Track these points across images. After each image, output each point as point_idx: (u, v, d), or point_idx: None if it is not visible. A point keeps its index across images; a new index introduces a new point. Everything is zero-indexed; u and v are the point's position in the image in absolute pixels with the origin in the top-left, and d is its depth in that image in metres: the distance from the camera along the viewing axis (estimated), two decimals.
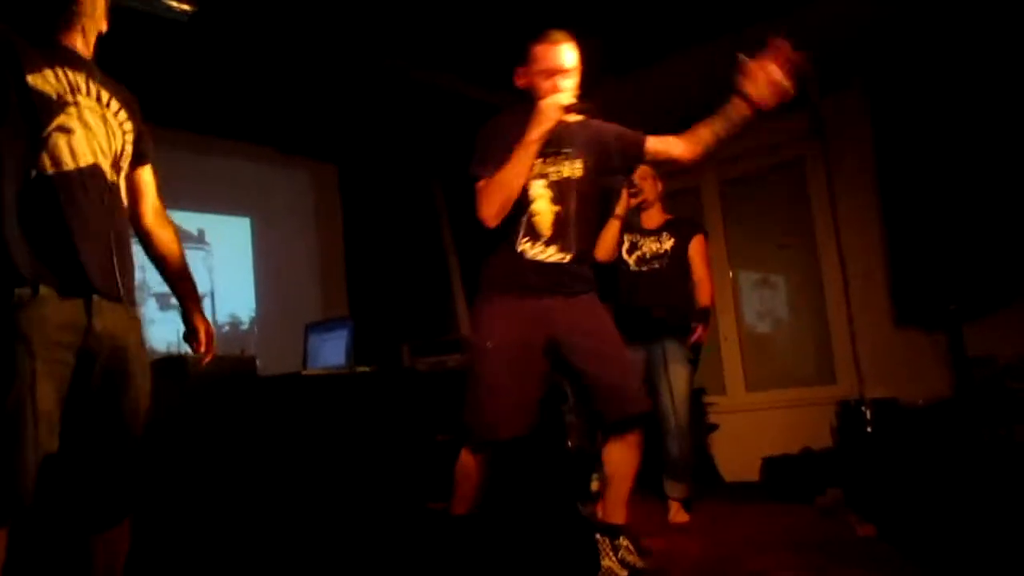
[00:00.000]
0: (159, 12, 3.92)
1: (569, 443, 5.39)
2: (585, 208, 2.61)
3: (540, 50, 2.63)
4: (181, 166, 4.98)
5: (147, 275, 4.73)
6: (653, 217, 3.90)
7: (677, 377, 3.67)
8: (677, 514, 3.66)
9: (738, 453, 5.10)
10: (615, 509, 2.52)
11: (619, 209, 3.79)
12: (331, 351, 4.04)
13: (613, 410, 2.48)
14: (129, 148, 1.96)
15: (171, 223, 2.20)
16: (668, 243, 3.83)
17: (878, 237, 4.80)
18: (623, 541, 2.48)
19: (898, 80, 4.64)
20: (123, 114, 1.96)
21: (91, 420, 1.78)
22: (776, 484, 4.16)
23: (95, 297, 1.76)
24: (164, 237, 2.15)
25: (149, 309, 4.79)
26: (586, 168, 2.60)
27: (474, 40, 4.59)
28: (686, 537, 3.22)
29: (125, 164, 1.95)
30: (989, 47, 4.32)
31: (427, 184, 6.34)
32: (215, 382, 3.14)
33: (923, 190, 4.45)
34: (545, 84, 2.56)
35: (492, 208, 2.50)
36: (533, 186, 2.53)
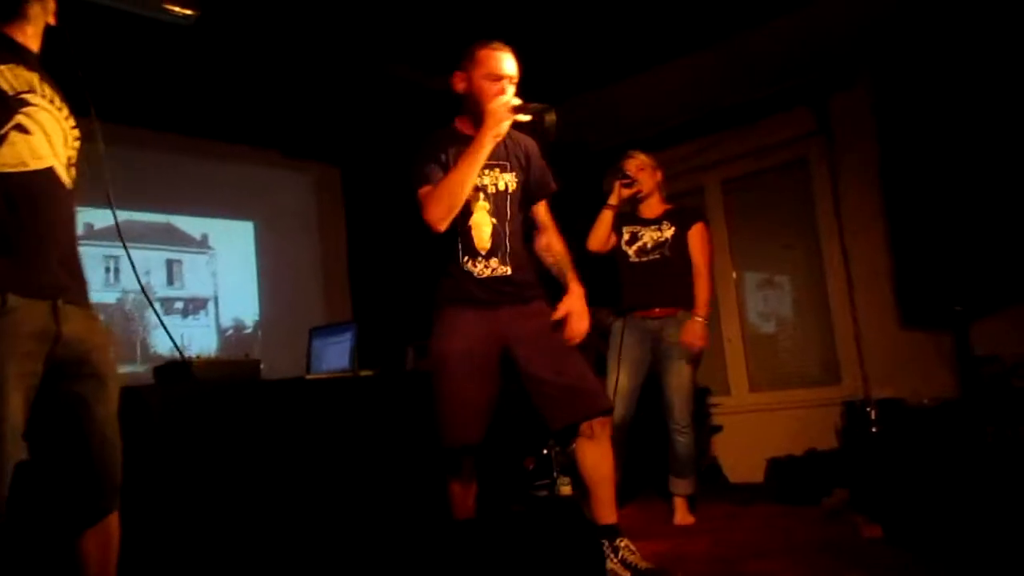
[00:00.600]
0: (162, 17, 3.95)
1: (545, 450, 5.39)
2: (516, 223, 2.68)
3: (485, 54, 2.64)
4: (184, 170, 5.01)
5: (151, 279, 4.76)
6: (652, 207, 3.89)
7: (679, 372, 3.66)
8: (683, 516, 3.65)
9: (743, 454, 5.09)
10: (605, 510, 2.52)
11: (612, 199, 3.80)
12: (335, 355, 4.04)
13: (577, 412, 2.51)
14: (74, 154, 1.89)
15: None
16: (669, 232, 3.82)
17: (883, 237, 4.78)
18: (622, 542, 2.47)
19: (903, 79, 4.62)
20: (71, 118, 1.89)
21: (65, 423, 1.75)
22: (781, 485, 4.15)
23: (59, 302, 1.71)
24: None
25: (151, 314, 4.80)
26: (519, 183, 2.68)
27: (473, 42, 4.59)
28: (691, 539, 3.21)
29: (73, 170, 1.88)
30: (995, 46, 4.30)
31: None
32: (219, 386, 3.13)
33: (928, 189, 4.43)
34: (490, 88, 2.59)
35: (440, 211, 2.53)
36: (471, 198, 2.59)
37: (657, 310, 3.73)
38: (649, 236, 3.81)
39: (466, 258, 2.61)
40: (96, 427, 1.80)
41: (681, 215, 3.85)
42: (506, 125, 2.51)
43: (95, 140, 1.94)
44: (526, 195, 2.73)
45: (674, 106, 5.57)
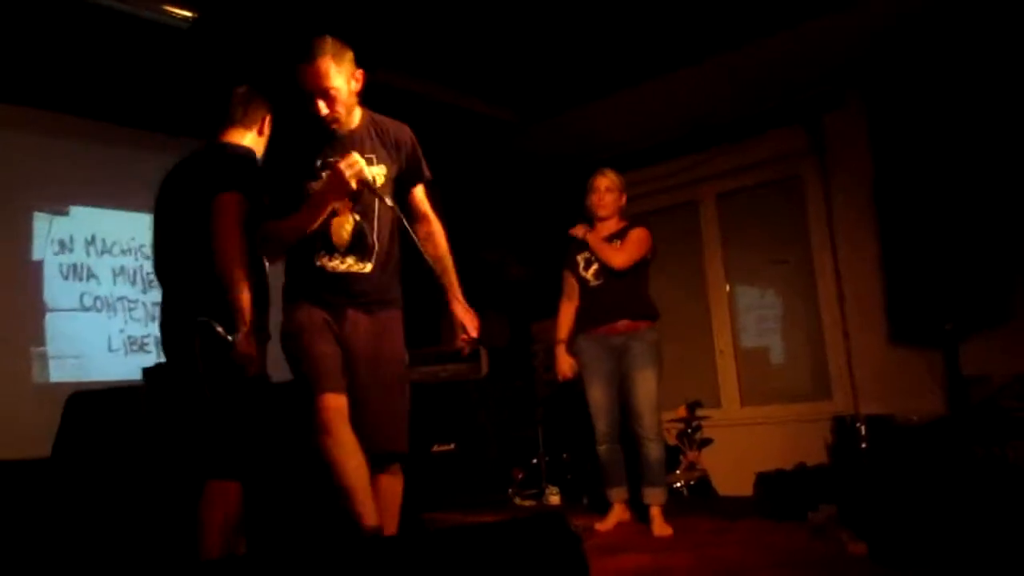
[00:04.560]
0: (160, 20, 3.95)
1: (563, 455, 5.40)
2: (385, 219, 2.55)
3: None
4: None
5: (130, 279, 4.76)
6: (608, 227, 3.91)
7: (644, 380, 3.69)
8: (662, 527, 3.65)
9: (732, 468, 5.08)
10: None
11: (578, 233, 3.87)
12: None
13: (371, 444, 2.46)
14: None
15: None
16: (619, 248, 3.82)
17: (875, 254, 4.80)
18: None
19: (895, 97, 4.66)
20: None
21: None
22: (769, 499, 4.14)
23: None
24: None
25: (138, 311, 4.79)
26: (387, 177, 2.56)
27: (466, 52, 4.61)
28: (675, 553, 3.20)
29: None
30: (986, 65, 4.33)
31: None
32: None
33: (920, 208, 4.46)
34: (313, 105, 2.46)
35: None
36: None
37: (621, 326, 3.75)
38: None
39: (321, 253, 2.49)
40: None
41: (627, 230, 3.86)
42: (352, 184, 2.39)
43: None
44: (398, 187, 2.62)
45: (669, 120, 5.59)
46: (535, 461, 5.27)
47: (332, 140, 2.51)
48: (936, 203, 4.39)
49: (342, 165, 2.38)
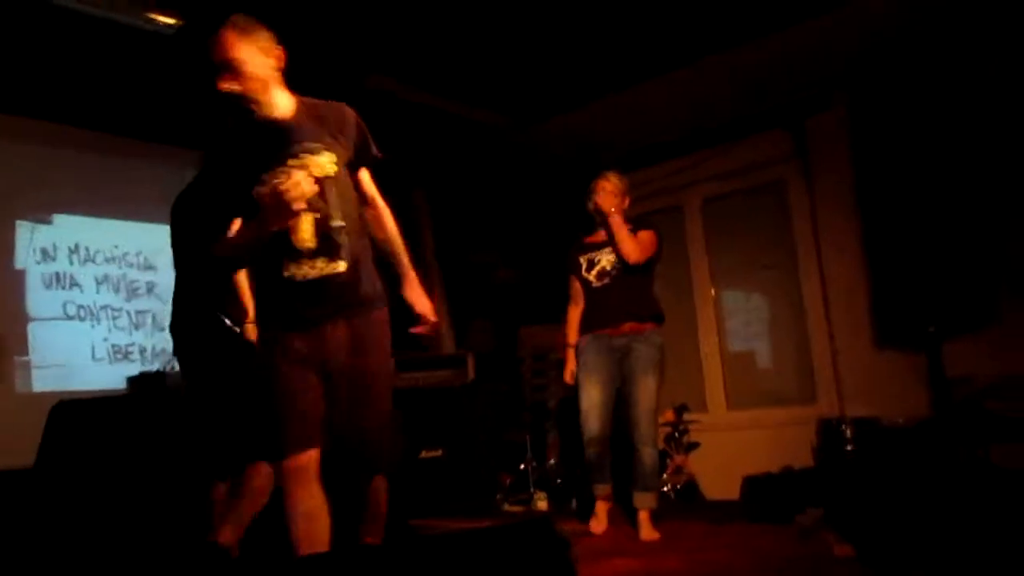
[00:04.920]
0: (144, 27, 3.94)
1: (551, 460, 5.40)
2: (348, 206, 2.33)
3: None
4: (173, 179, 4.97)
5: (130, 285, 4.72)
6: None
7: (644, 387, 3.68)
8: (649, 531, 3.66)
9: (719, 471, 5.10)
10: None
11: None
12: None
13: (349, 459, 2.35)
14: None
15: None
16: None
17: (859, 257, 4.83)
18: None
19: (878, 101, 4.69)
20: None
21: None
22: (756, 503, 4.15)
23: None
24: None
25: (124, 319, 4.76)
26: (339, 163, 2.32)
27: (453, 57, 4.62)
28: (663, 557, 3.21)
29: None
30: (969, 69, 4.38)
31: (409, 194, 6.33)
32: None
33: (903, 211, 4.49)
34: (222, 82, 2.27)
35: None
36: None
37: (626, 327, 3.74)
38: (605, 259, 3.83)
39: (286, 261, 2.26)
40: None
41: (633, 231, 3.83)
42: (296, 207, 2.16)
43: None
44: (352, 172, 2.40)
45: (654, 126, 5.62)
46: (523, 467, 5.27)
47: (271, 135, 2.28)
48: (919, 207, 4.43)
49: (283, 187, 2.13)
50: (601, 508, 3.87)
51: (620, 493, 3.90)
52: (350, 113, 2.41)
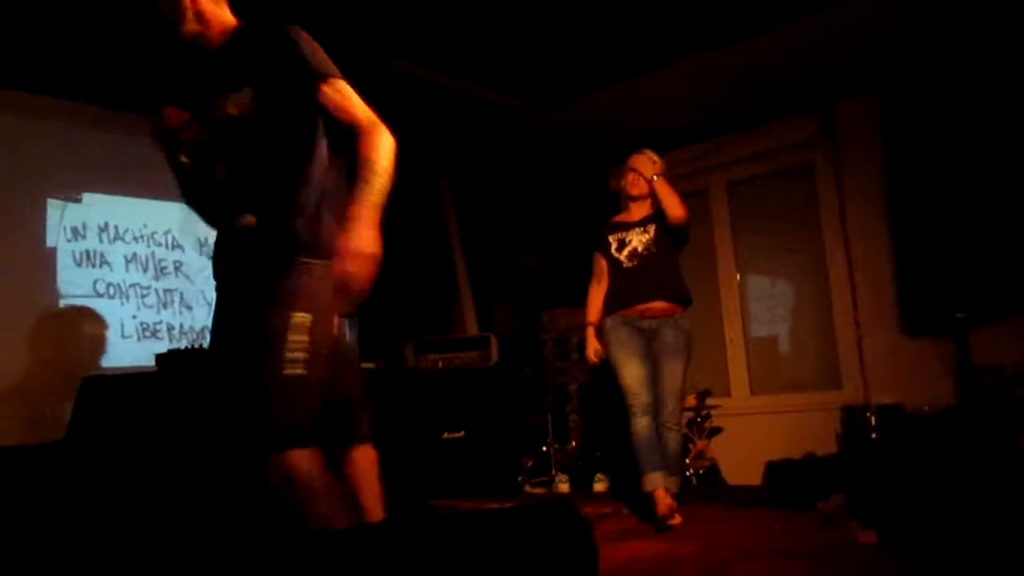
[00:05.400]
0: None
1: (573, 443, 5.42)
2: (260, 157, 2.06)
3: None
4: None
5: (143, 267, 4.78)
6: (642, 209, 3.89)
7: (673, 373, 3.68)
8: (672, 515, 3.65)
9: (741, 456, 5.09)
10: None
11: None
12: None
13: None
14: None
15: None
16: (652, 230, 3.82)
17: (886, 242, 4.78)
18: None
19: (909, 86, 4.61)
20: None
21: None
22: (778, 488, 4.15)
23: None
24: None
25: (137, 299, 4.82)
26: (254, 102, 2.06)
27: (476, 39, 4.59)
28: (684, 541, 3.21)
29: None
30: (1000, 54, 4.29)
31: (433, 180, 6.34)
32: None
33: (932, 197, 4.43)
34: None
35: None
36: (192, 149, 2.15)
37: (656, 307, 3.72)
38: (637, 239, 3.82)
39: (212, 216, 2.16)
40: None
41: (661, 211, 3.82)
42: None
43: None
44: (274, 113, 2.07)
45: (680, 108, 5.57)
46: (544, 449, 5.29)
47: (196, 72, 2.13)
48: (948, 191, 4.36)
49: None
50: (661, 495, 3.53)
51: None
52: (281, 35, 2.08)
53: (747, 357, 5.69)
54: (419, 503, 4.28)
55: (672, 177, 3.96)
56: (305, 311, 1.99)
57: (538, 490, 5.10)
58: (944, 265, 4.34)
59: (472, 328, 6.12)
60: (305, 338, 1.97)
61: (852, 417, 4.65)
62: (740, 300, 5.77)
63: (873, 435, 4.44)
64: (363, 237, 1.96)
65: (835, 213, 5.26)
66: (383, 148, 2.04)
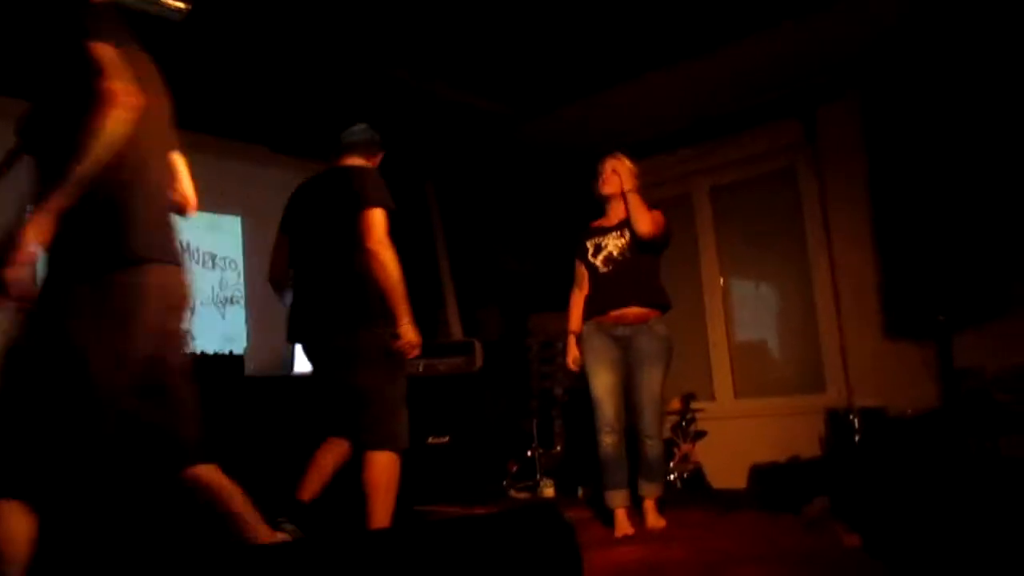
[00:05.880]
0: (153, 10, 3.92)
1: (558, 447, 5.42)
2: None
3: None
4: (198, 167, 4.97)
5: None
6: (618, 212, 3.83)
7: (650, 381, 3.63)
8: (655, 519, 3.65)
9: (726, 460, 5.11)
10: None
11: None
12: None
13: None
14: None
15: None
16: (628, 234, 3.74)
17: (869, 246, 4.81)
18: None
19: (891, 92, 4.65)
20: None
21: None
22: (763, 492, 4.16)
23: None
24: None
25: None
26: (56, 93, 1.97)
27: (460, 46, 4.59)
28: (670, 545, 3.21)
29: None
30: (982, 60, 4.33)
31: (420, 186, 6.33)
32: (202, 381, 3.12)
33: (914, 201, 4.46)
34: None
35: None
36: None
37: (631, 313, 3.67)
38: (612, 244, 3.77)
39: None
40: None
41: None
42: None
43: None
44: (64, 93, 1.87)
45: (664, 114, 5.58)
46: (529, 454, 5.28)
47: None
48: (930, 196, 4.40)
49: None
50: (621, 515, 3.64)
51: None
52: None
53: (731, 361, 5.71)
54: (404, 509, 4.25)
55: (656, 182, 3.95)
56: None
57: (523, 494, 5.09)
58: (926, 269, 4.38)
59: (457, 333, 6.10)
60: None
61: (836, 420, 4.67)
62: (724, 304, 5.79)
63: (856, 438, 4.46)
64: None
65: (818, 217, 5.28)
66: None
